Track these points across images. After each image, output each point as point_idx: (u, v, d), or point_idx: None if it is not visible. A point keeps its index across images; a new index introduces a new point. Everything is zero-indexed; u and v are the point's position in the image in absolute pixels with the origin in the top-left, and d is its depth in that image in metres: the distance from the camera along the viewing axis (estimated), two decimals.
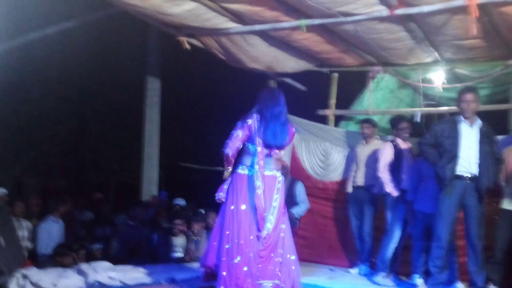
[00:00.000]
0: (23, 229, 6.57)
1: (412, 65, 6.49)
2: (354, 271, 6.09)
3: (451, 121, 4.95)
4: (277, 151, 4.28)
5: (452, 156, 4.76)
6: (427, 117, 7.08)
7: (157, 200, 9.28)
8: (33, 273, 4.81)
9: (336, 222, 6.51)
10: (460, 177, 4.78)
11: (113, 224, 7.57)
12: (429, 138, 4.95)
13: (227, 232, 4.16)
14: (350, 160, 6.47)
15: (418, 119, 6.99)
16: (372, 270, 5.87)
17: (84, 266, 5.30)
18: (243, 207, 4.17)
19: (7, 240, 4.87)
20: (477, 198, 4.79)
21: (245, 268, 4.05)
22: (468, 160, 4.77)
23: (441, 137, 4.85)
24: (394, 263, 5.65)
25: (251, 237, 4.11)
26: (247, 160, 4.26)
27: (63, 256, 5.86)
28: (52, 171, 14.62)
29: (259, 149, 4.20)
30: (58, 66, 11.12)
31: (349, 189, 6.23)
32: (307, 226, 6.89)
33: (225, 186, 4.32)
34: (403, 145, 5.73)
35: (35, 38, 7.59)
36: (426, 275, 5.12)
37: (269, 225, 4.16)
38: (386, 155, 5.66)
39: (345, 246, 6.52)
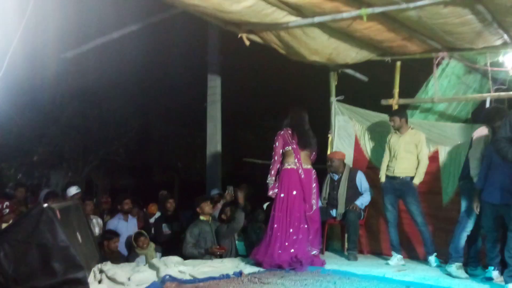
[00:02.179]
0: (93, 226, 6.96)
1: (480, 49, 6.21)
2: (392, 261, 5.99)
3: None
4: (309, 151, 5.78)
5: None
6: (497, 103, 6.76)
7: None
8: (109, 267, 5.00)
9: (403, 213, 6.37)
10: None
11: (179, 220, 7.73)
12: (505, 132, 4.57)
13: (279, 214, 5.53)
14: (381, 150, 6.44)
15: (487, 105, 6.71)
16: (442, 261, 5.76)
17: (155, 261, 5.50)
18: (294, 192, 5.57)
19: (84, 237, 5.08)
20: None
21: (295, 237, 5.45)
22: None
23: None
24: (469, 253, 5.48)
25: (299, 214, 5.52)
26: (289, 159, 5.65)
27: (109, 240, 6.35)
28: (119, 170, 15.18)
29: (295, 150, 5.65)
30: (123, 68, 11.50)
31: (383, 178, 6.20)
32: (373, 218, 6.79)
33: (276, 186, 5.67)
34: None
35: (101, 43, 7.86)
36: (503, 266, 4.92)
37: (313, 205, 5.63)
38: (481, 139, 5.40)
39: (413, 237, 6.37)
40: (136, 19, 7.23)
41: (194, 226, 6.44)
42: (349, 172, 6.65)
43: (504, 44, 6.06)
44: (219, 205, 7.75)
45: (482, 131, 5.44)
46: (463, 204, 5.48)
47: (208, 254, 6.20)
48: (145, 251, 6.74)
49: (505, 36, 5.84)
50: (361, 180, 6.58)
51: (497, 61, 6.46)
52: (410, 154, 6.07)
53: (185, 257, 5.99)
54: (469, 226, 5.37)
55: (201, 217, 6.52)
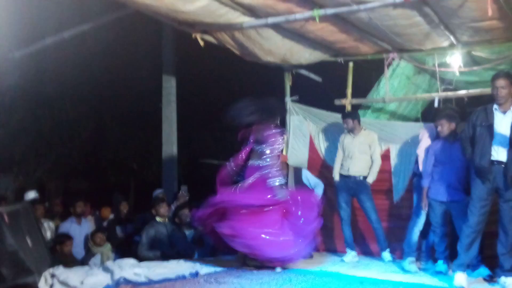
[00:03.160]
0: (45, 230, 6.83)
1: (428, 50, 6.42)
2: (347, 258, 6.10)
3: (485, 109, 4.77)
4: None
5: (486, 145, 4.64)
6: (445, 102, 7.00)
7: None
8: (61, 271, 4.88)
9: (357, 211, 6.50)
10: (492, 164, 4.64)
11: (133, 223, 7.64)
12: (467, 131, 4.81)
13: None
14: (335, 149, 6.56)
15: (436, 104, 6.94)
16: (394, 256, 5.96)
17: (109, 264, 5.39)
18: None
19: (34, 241, 4.95)
20: (506, 183, 4.64)
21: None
22: (498, 148, 4.61)
23: (475, 126, 4.73)
24: (420, 247, 5.66)
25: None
26: None
27: (62, 244, 6.24)
28: (73, 173, 14.81)
29: None
30: (75, 69, 11.25)
31: (336, 177, 6.31)
32: (328, 216, 6.88)
33: None
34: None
35: (51, 42, 7.67)
36: (451, 260, 5.09)
37: None
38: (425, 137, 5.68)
39: (367, 234, 6.52)
40: (87, 18, 7.11)
41: (150, 227, 6.39)
42: (294, 173, 6.72)
43: (451, 46, 6.28)
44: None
45: (428, 130, 5.65)
46: (415, 200, 5.66)
47: (164, 257, 6.16)
48: (101, 248, 6.68)
49: (452, 38, 6.05)
50: (308, 177, 6.64)
51: (444, 62, 6.67)
52: (364, 155, 6.20)
53: (141, 259, 5.92)
54: (421, 221, 5.54)
55: (157, 219, 6.49)
